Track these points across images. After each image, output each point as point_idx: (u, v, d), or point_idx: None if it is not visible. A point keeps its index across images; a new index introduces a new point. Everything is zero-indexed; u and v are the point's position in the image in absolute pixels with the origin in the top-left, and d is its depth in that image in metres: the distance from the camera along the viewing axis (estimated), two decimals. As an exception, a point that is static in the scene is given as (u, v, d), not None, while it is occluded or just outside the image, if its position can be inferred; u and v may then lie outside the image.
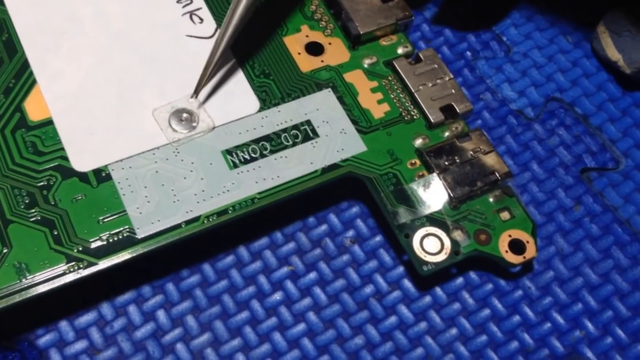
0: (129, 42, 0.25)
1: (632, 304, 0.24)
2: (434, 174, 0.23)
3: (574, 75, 0.28)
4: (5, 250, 0.21)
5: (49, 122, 0.23)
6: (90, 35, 0.24)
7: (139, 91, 0.24)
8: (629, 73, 0.27)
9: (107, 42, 0.24)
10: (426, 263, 0.22)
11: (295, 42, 0.25)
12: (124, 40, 0.25)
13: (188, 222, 0.22)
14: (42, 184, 0.22)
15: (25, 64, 0.24)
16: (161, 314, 0.22)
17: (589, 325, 0.23)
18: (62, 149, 0.22)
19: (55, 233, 0.21)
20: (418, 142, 0.24)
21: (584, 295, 0.24)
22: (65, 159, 0.22)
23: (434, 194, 0.23)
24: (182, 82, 0.24)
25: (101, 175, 0.22)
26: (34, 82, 0.23)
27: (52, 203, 0.22)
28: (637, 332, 0.23)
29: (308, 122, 0.24)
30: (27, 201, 0.21)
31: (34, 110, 0.23)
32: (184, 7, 0.26)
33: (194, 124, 0.23)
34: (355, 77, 0.25)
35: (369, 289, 0.23)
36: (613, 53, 0.28)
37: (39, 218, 0.21)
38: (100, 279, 0.21)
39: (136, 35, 0.25)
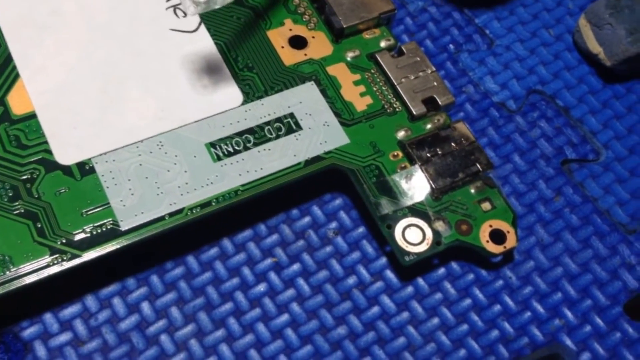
0: (113, 36, 0.25)
1: (610, 293, 0.24)
2: (416, 166, 0.24)
3: (555, 67, 0.28)
4: (-11, 243, 0.21)
5: (32, 116, 0.23)
6: (73, 29, 0.24)
7: (122, 85, 0.24)
8: (609, 65, 0.27)
9: (90, 36, 0.24)
10: (408, 253, 0.22)
11: (278, 36, 0.26)
12: (107, 34, 0.25)
13: (172, 215, 0.22)
14: (25, 177, 0.22)
15: (9, 58, 0.24)
16: (145, 306, 0.23)
17: (569, 314, 0.24)
18: (46, 142, 0.23)
19: (39, 226, 0.21)
20: (400, 134, 0.24)
21: (563, 285, 0.24)
22: (49, 152, 0.22)
23: (416, 185, 0.23)
24: (165, 75, 0.24)
25: (85, 168, 0.22)
26: (17, 76, 0.23)
27: (36, 196, 0.22)
28: (615, 321, 0.23)
29: (291, 115, 0.24)
30: (10, 194, 0.22)
31: (17, 104, 0.23)
32: (167, 0, 0.26)
33: None
34: (338, 70, 0.25)
35: (351, 280, 0.23)
36: (594, 46, 0.28)
37: (22, 211, 0.21)
38: (85, 271, 0.21)
39: (120, 29, 0.25)
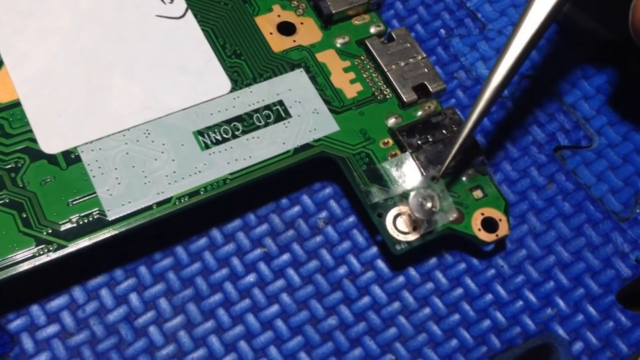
0: (97, 22, 0.24)
1: (603, 282, 0.24)
2: (407, 153, 0.23)
3: (548, 52, 0.28)
4: (-27, 235, 0.20)
5: (16, 104, 0.22)
6: (57, 15, 0.24)
7: (107, 72, 0.23)
8: (608, 39, 0.27)
9: (74, 22, 0.24)
10: (399, 242, 0.22)
11: (266, 22, 0.25)
12: (92, 21, 0.24)
13: (159, 204, 0.22)
14: (10, 166, 0.22)
15: (-8, 45, 0.23)
16: (134, 297, 0.22)
17: (561, 303, 0.23)
18: (30, 130, 0.22)
19: (24, 216, 0.21)
20: (391, 121, 0.24)
21: (555, 273, 0.24)
22: (34, 141, 0.22)
23: (406, 172, 0.23)
24: (152, 62, 0.24)
25: (70, 157, 0.22)
26: (1, 63, 0.23)
27: (21, 185, 0.21)
28: (608, 309, 0.23)
29: (280, 103, 0.24)
30: (-6, 184, 0.21)
31: (1, 92, 0.23)
32: (154, -14, 0.25)
33: None
34: (327, 57, 0.25)
35: (342, 270, 0.23)
36: (588, 21, 0.27)
37: (7, 201, 0.21)
38: (72, 262, 0.21)
39: (104, 16, 0.24)
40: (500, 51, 0.23)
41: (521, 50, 0.22)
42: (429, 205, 0.22)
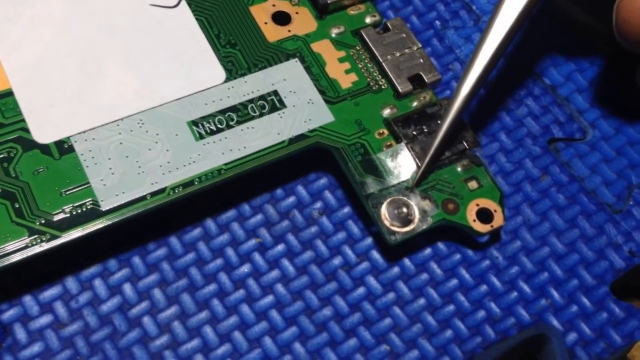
0: (91, 11, 0.24)
1: (597, 273, 0.24)
2: (402, 144, 0.23)
3: (542, 46, 0.28)
4: (-35, 224, 0.20)
5: (9, 93, 0.22)
6: (50, 4, 0.24)
7: (101, 61, 0.23)
8: (602, 32, 0.27)
9: (67, 11, 0.24)
10: (394, 233, 0.22)
11: (261, 12, 0.25)
12: (85, 10, 0.24)
13: (153, 194, 0.21)
14: (2, 156, 0.21)
15: (-16, 34, 0.23)
16: (127, 288, 0.22)
17: (555, 294, 0.23)
18: (23, 120, 0.22)
19: (17, 206, 0.21)
20: (386, 112, 0.24)
21: (550, 265, 0.24)
22: (26, 130, 0.22)
23: (402, 163, 0.23)
24: (146, 52, 0.23)
25: (63, 147, 0.22)
26: (-7, 52, 0.23)
27: (13, 176, 0.21)
28: (602, 300, 0.23)
29: (275, 93, 0.24)
30: (-13, 174, 0.21)
31: (-7, 81, 0.22)
32: (147, -25, 0.25)
33: None
34: (322, 47, 0.25)
35: (337, 261, 0.23)
36: (582, 14, 0.27)
37: (-1, 191, 0.21)
38: (65, 252, 0.21)
39: (98, 5, 0.24)
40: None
41: (483, 68, 0.23)
42: (404, 211, 0.22)
